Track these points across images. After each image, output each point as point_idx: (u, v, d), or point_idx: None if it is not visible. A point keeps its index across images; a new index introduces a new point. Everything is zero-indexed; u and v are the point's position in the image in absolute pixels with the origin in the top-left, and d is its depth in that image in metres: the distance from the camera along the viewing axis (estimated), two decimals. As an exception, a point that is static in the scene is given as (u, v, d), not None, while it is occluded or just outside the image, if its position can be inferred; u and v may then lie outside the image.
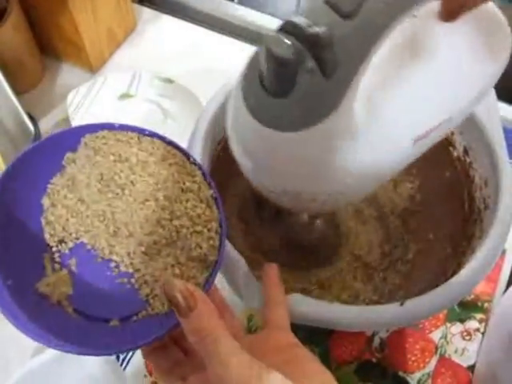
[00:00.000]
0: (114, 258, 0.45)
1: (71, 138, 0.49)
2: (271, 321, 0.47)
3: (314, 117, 0.38)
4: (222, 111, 0.62)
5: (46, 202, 0.47)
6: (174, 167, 0.48)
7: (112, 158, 0.48)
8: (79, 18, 0.83)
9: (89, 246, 0.46)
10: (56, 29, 0.86)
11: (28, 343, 0.63)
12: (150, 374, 0.64)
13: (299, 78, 0.37)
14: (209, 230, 0.45)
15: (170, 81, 0.86)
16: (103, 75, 0.88)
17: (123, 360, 0.66)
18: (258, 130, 0.40)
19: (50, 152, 0.48)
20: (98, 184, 0.47)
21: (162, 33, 0.97)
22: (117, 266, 0.45)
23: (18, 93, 0.77)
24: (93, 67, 0.91)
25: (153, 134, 0.49)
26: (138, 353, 0.66)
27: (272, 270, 0.50)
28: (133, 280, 0.45)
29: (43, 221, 0.46)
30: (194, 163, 0.48)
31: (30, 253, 0.46)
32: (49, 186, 0.47)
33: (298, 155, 0.41)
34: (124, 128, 0.49)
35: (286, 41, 0.36)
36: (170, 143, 0.49)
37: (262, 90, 0.39)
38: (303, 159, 0.41)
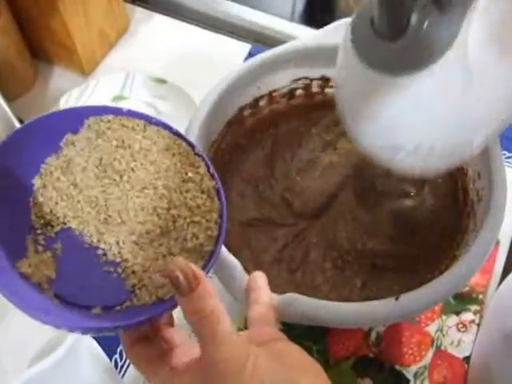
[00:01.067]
0: (102, 245, 0.45)
1: (74, 118, 0.48)
2: (254, 318, 0.46)
3: (430, 56, 0.37)
4: (215, 111, 0.63)
5: (37, 182, 0.46)
6: (177, 157, 0.47)
7: (115, 143, 0.47)
8: (70, 21, 0.83)
9: (76, 232, 0.45)
10: (47, 32, 0.85)
11: (25, 353, 0.65)
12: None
13: (413, 17, 0.36)
14: (207, 221, 0.45)
15: (163, 81, 0.86)
16: (96, 78, 0.89)
17: (121, 367, 0.65)
18: (369, 76, 0.39)
19: (49, 131, 0.47)
20: (95, 169, 0.47)
21: (155, 33, 0.97)
22: (104, 254, 0.45)
23: (9, 98, 0.77)
24: (85, 70, 0.90)
25: (159, 123, 0.48)
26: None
27: (257, 276, 0.49)
28: (119, 269, 0.44)
29: (31, 201, 0.46)
30: (199, 154, 0.47)
31: (15, 232, 0.44)
32: (42, 166, 0.47)
33: (412, 100, 0.40)
34: (131, 114, 0.48)
35: None
36: (176, 133, 0.48)
37: (373, 36, 0.38)
38: (419, 104, 0.40)
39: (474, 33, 0.39)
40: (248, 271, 0.52)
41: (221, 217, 0.45)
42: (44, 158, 0.47)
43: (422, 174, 0.50)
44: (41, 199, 0.46)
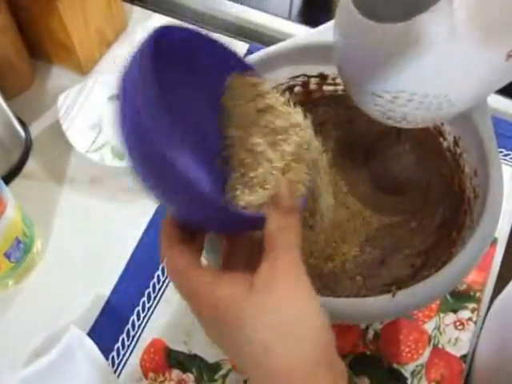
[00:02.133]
0: None
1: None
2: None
3: (420, 4, 0.41)
4: None
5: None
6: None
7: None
8: (69, 20, 0.83)
9: None
10: (45, 31, 0.86)
11: (20, 352, 0.65)
12: (146, 377, 0.65)
13: None
14: None
15: (160, 80, 0.86)
16: (94, 77, 0.89)
17: (118, 364, 0.66)
18: (359, 21, 0.43)
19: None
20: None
21: (153, 32, 0.97)
22: None
23: (8, 97, 0.78)
24: (83, 69, 0.91)
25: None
26: (133, 357, 0.66)
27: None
28: None
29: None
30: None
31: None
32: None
33: (396, 47, 0.44)
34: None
35: None
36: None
37: None
38: (400, 52, 0.44)
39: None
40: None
41: None
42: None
43: (400, 124, 0.53)
44: None
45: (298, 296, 0.38)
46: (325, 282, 0.62)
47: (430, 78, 0.47)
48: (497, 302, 0.69)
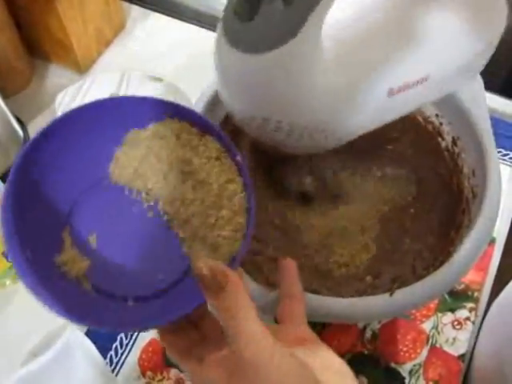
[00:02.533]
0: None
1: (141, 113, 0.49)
2: (283, 315, 0.46)
3: (275, 40, 0.41)
4: (212, 106, 0.63)
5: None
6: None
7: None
8: (67, 18, 0.84)
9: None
10: (44, 29, 0.86)
11: (18, 352, 0.65)
12: (144, 376, 0.65)
13: (263, 3, 0.40)
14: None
15: (159, 79, 0.86)
16: (92, 76, 0.89)
17: (116, 363, 0.66)
18: (227, 50, 0.43)
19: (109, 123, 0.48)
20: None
21: (152, 31, 0.98)
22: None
23: (6, 96, 0.78)
24: (82, 68, 0.91)
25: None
26: (131, 356, 0.66)
27: (288, 265, 0.50)
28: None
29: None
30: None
31: (50, 226, 0.46)
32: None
33: (261, 77, 0.44)
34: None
35: None
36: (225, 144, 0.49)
37: (234, 15, 0.42)
38: (266, 81, 0.44)
39: None
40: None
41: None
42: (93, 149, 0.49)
43: (280, 149, 0.54)
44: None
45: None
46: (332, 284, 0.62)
47: (298, 109, 0.47)
48: (495, 303, 0.70)
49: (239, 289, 0.37)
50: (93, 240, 0.47)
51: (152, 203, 0.48)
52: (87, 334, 0.66)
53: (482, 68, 0.55)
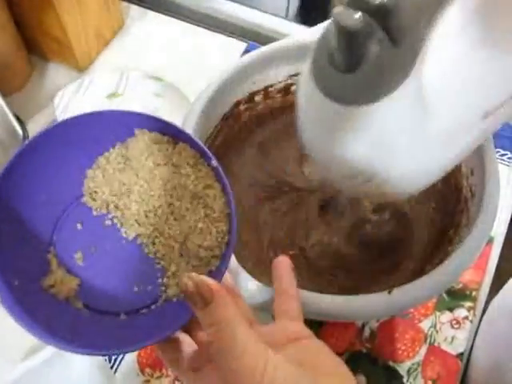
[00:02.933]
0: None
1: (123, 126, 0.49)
2: (279, 312, 0.46)
3: (385, 87, 0.38)
4: (211, 105, 0.64)
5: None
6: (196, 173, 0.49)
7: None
8: (66, 17, 0.84)
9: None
10: (42, 28, 0.87)
11: (17, 349, 0.65)
12: (143, 373, 0.65)
13: (368, 50, 0.37)
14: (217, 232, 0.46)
15: (158, 79, 0.87)
16: (91, 74, 0.90)
17: (115, 360, 0.66)
18: (329, 106, 0.40)
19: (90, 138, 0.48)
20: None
21: (150, 30, 0.98)
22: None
23: (4, 94, 0.78)
24: (80, 66, 0.91)
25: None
26: (130, 353, 0.67)
27: (282, 262, 0.51)
28: (149, 266, 0.47)
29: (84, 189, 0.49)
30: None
31: (34, 249, 0.46)
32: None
33: (370, 130, 0.41)
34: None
35: (355, 13, 0.36)
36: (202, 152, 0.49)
37: (332, 67, 0.39)
38: (376, 134, 0.41)
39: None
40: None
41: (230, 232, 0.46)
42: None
43: (381, 199, 0.53)
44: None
45: None
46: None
47: (408, 157, 0.44)
48: (492, 303, 0.70)
49: (226, 301, 0.37)
50: (79, 258, 0.47)
51: (129, 222, 0.48)
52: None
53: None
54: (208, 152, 0.47)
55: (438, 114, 0.42)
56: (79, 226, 0.48)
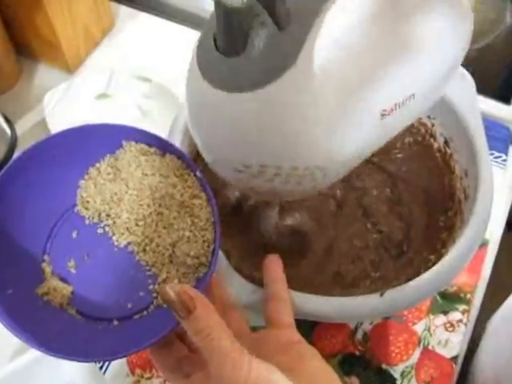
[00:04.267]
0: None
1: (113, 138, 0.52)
2: (275, 319, 0.48)
3: (270, 73, 0.38)
4: None
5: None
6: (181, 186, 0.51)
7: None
8: (55, 17, 0.85)
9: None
10: (31, 28, 0.87)
11: (4, 348, 0.66)
12: (133, 374, 0.66)
13: (252, 34, 0.37)
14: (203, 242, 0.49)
15: (148, 80, 0.88)
16: (80, 75, 0.91)
17: (104, 361, 0.67)
18: (210, 92, 0.40)
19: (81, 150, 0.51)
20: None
21: (141, 31, 0.99)
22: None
23: (-7, 95, 0.79)
24: (70, 67, 0.92)
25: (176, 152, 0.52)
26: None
27: (273, 264, 0.52)
28: (139, 272, 0.49)
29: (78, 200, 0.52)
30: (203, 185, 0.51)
31: (29, 258, 0.49)
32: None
33: (254, 118, 0.40)
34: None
35: None
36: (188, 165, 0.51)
37: (215, 51, 0.39)
38: (260, 122, 0.40)
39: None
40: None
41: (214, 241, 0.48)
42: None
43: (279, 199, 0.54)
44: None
45: None
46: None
47: (294, 150, 0.42)
48: (495, 316, 0.71)
49: (208, 310, 0.39)
50: (72, 266, 0.50)
51: (121, 231, 0.50)
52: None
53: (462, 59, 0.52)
54: (193, 163, 0.50)
55: (326, 103, 0.41)
56: (72, 235, 0.51)
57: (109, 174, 0.52)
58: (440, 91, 0.51)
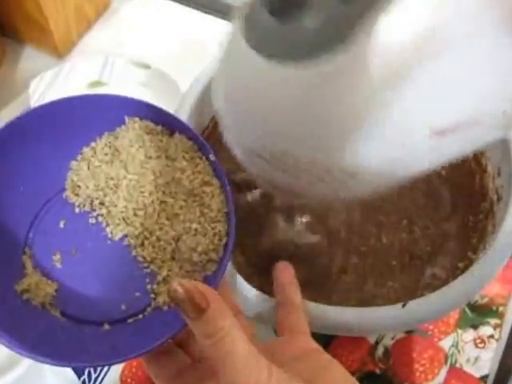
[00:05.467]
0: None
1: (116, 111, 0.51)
2: (288, 326, 0.49)
3: (328, 45, 0.37)
4: (205, 96, 0.66)
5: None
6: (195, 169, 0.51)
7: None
8: (43, -5, 0.85)
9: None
10: (17, 8, 0.88)
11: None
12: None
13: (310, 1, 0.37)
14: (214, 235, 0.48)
15: (146, 66, 0.88)
16: (71, 60, 0.92)
17: (95, 380, 0.68)
18: (255, 62, 0.39)
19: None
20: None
21: (139, 12, 1.00)
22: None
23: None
24: (60, 51, 0.93)
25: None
26: (112, 370, 0.69)
27: (286, 269, 0.53)
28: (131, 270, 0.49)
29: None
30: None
31: (8, 249, 0.48)
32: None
33: (299, 93, 0.39)
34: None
35: None
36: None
37: (266, 14, 0.38)
38: (305, 98, 0.39)
39: None
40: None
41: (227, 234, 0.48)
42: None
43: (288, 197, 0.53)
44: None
45: None
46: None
47: (331, 142, 0.41)
48: None
49: (223, 310, 0.38)
50: (57, 260, 0.49)
51: (116, 221, 0.50)
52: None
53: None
54: (207, 144, 0.49)
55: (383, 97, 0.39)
56: (59, 225, 0.50)
57: (106, 154, 0.51)
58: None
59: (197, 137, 0.50)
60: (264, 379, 0.37)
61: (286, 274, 0.53)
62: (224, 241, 0.48)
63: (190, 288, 0.37)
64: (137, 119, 0.51)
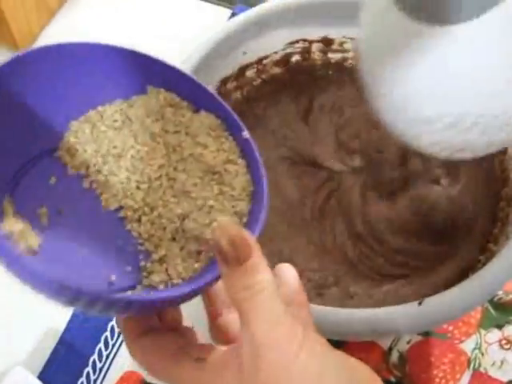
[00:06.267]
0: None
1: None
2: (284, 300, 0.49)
3: (476, 5, 0.40)
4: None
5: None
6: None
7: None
8: (-2, -17, 0.86)
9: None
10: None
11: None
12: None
13: None
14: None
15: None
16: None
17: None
18: (407, 25, 0.42)
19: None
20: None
21: (102, -1, 1.00)
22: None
23: None
24: (18, 44, 0.92)
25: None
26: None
27: (288, 272, 0.53)
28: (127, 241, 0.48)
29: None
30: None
31: None
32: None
33: (454, 57, 0.42)
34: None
35: None
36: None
37: None
38: (460, 63, 0.43)
39: None
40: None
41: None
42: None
43: (459, 157, 0.52)
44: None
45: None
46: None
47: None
48: None
49: (263, 263, 0.39)
50: (43, 214, 0.47)
51: (113, 191, 0.49)
52: (40, 377, 0.69)
53: None
54: (240, 122, 0.49)
55: None
56: (48, 180, 0.49)
57: (115, 121, 0.50)
58: None
59: (230, 114, 0.49)
60: (299, 339, 0.38)
61: (288, 270, 0.53)
62: (244, 220, 0.47)
63: (235, 236, 0.38)
64: (162, 90, 0.51)
